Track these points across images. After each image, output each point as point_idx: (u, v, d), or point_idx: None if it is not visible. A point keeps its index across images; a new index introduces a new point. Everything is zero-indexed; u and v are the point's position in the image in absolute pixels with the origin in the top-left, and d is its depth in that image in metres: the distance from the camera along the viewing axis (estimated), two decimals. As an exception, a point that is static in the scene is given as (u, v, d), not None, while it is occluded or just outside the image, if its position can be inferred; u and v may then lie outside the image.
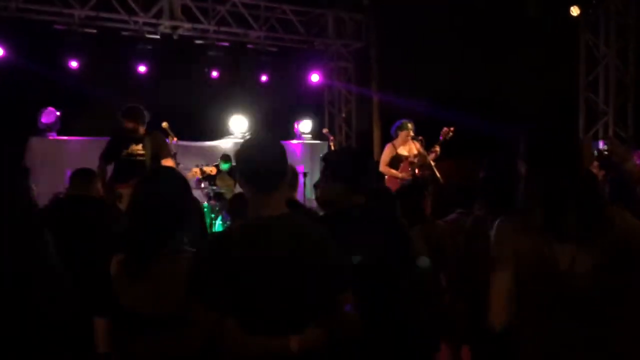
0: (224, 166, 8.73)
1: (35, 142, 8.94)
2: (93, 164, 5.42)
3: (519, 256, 2.00)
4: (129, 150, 5.83)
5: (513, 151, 2.16)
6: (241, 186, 2.15)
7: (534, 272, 1.98)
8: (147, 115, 5.91)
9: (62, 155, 8.93)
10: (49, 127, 9.11)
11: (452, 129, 7.00)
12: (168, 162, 6.00)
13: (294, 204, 3.41)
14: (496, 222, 2.09)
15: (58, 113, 9.20)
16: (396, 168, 7.11)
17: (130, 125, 5.82)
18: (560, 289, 1.96)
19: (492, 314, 2.04)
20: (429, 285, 2.83)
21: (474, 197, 3.39)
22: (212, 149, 10.14)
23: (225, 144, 10.32)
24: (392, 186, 6.91)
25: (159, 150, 5.99)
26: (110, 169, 5.97)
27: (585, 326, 1.96)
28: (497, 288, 2.04)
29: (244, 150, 2.12)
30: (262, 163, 2.06)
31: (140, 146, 5.85)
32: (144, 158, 5.82)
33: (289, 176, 2.39)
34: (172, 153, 6.18)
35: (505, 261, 2.02)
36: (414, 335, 2.64)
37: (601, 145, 2.98)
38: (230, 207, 4.32)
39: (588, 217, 1.94)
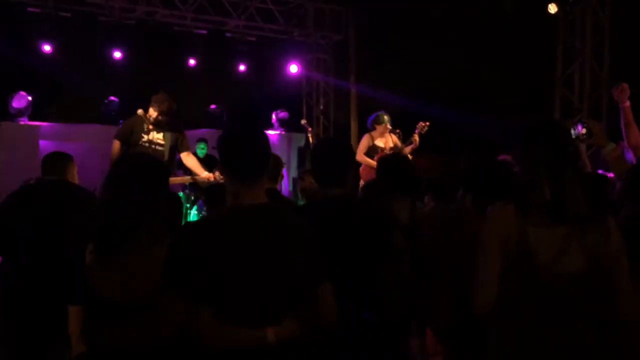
0: (200, 152, 8.66)
1: (5, 126, 8.73)
2: (64, 149, 5.25)
3: (503, 242, 2.00)
4: (150, 137, 5.46)
5: (494, 145, 2.19)
6: (222, 175, 2.11)
7: (515, 261, 1.98)
8: (173, 107, 5.49)
9: (34, 140, 8.74)
10: (20, 112, 8.89)
11: (427, 123, 7.08)
12: (189, 158, 5.72)
13: (273, 194, 3.37)
14: (488, 208, 2.09)
15: (30, 98, 8.98)
16: (372, 158, 7.17)
17: (164, 106, 5.41)
18: (538, 284, 1.96)
19: (476, 299, 2.04)
20: (407, 271, 2.81)
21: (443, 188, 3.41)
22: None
23: (201, 133, 10.22)
24: (368, 175, 6.97)
25: (179, 142, 5.64)
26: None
27: (561, 327, 1.97)
28: (482, 272, 2.03)
29: (228, 140, 2.08)
30: (246, 153, 2.03)
31: (161, 135, 5.49)
32: (163, 149, 5.48)
33: (271, 167, 2.35)
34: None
35: (491, 246, 2.02)
36: (391, 322, 2.63)
37: (579, 129, 3.01)
38: (207, 197, 4.25)
39: (589, 193, 1.99)
